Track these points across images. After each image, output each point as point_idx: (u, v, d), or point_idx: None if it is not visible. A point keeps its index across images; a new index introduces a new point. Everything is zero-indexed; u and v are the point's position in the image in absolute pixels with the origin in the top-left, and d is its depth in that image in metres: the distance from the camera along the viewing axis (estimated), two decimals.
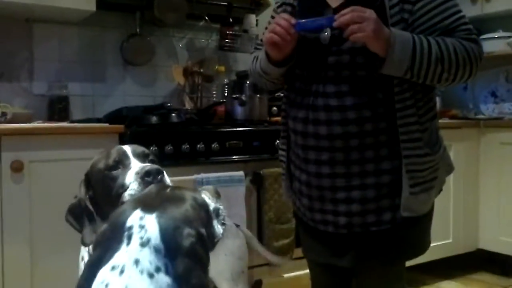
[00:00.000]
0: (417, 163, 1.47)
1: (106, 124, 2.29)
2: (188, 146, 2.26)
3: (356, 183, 1.49)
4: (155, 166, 1.30)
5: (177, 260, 0.87)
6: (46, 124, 2.32)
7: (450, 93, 3.84)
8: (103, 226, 0.95)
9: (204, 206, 1.02)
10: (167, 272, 0.86)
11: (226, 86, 3.08)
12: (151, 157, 1.41)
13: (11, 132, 2.03)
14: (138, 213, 0.91)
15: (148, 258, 0.86)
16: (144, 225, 0.89)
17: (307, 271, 1.86)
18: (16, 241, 2.02)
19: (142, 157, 1.38)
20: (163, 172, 1.30)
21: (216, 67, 3.18)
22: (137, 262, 0.85)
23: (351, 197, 1.50)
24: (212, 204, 1.06)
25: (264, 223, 2.40)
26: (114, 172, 1.34)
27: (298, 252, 2.14)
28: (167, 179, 1.32)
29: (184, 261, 0.87)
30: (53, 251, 2.04)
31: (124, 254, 0.86)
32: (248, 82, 2.74)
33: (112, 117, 2.40)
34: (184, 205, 0.96)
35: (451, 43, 1.42)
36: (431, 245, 1.67)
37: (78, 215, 1.38)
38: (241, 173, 2.34)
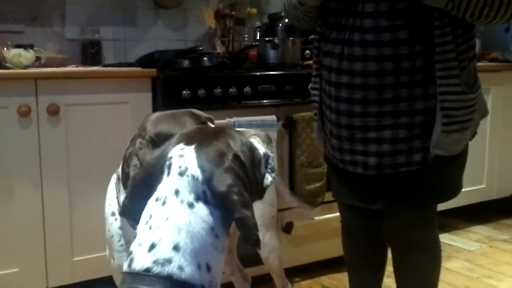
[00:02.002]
0: (452, 101, 1.44)
1: (139, 68, 2.29)
2: (220, 90, 2.25)
3: (388, 123, 1.47)
4: None
5: (214, 180, 0.88)
6: (81, 68, 2.34)
7: (491, 35, 3.69)
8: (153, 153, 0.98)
9: (247, 144, 1.00)
10: (206, 201, 0.87)
11: (258, 29, 3.02)
12: None
13: (47, 76, 2.06)
14: (180, 146, 0.93)
15: (187, 187, 0.87)
16: (183, 155, 0.91)
17: (337, 214, 1.88)
18: (54, 183, 2.08)
19: None
20: None
21: (248, 9, 3.12)
22: (177, 192, 0.87)
23: (382, 137, 1.49)
24: (262, 149, 1.03)
25: (296, 167, 2.41)
26: None
27: (329, 195, 2.16)
28: None
29: (221, 178, 0.88)
30: (91, 192, 2.10)
31: (165, 185, 0.88)
32: (280, 24, 2.69)
33: (144, 61, 2.40)
34: (224, 138, 0.96)
35: None
36: (464, 190, 1.65)
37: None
38: (273, 117, 2.33)
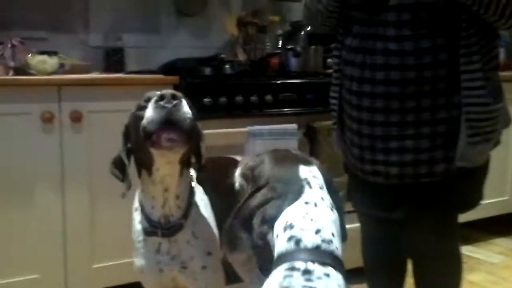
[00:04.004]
0: (477, 112, 1.42)
1: (162, 76, 2.31)
2: (241, 98, 2.26)
3: (410, 133, 1.46)
4: (170, 91, 1.23)
5: (333, 197, 1.12)
6: (104, 75, 2.37)
7: None
8: (275, 182, 1.10)
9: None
10: (332, 205, 1.10)
11: (280, 37, 3.03)
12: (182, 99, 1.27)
13: (70, 83, 2.09)
14: (303, 168, 1.12)
15: (326, 196, 1.09)
16: (316, 176, 1.12)
17: (357, 224, 1.86)
18: (76, 190, 2.10)
19: (172, 98, 1.25)
20: (180, 98, 1.23)
21: (270, 17, 3.12)
22: (322, 198, 1.08)
23: (404, 147, 1.47)
24: None
25: None
26: (142, 112, 1.29)
27: (348, 205, 2.13)
28: (186, 107, 1.26)
29: (337, 196, 1.15)
30: (112, 198, 2.11)
31: (311, 194, 1.07)
32: (302, 32, 2.69)
33: (167, 69, 2.41)
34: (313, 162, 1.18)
35: None
36: (487, 201, 1.63)
37: (121, 167, 1.41)
38: (294, 125, 2.32)
